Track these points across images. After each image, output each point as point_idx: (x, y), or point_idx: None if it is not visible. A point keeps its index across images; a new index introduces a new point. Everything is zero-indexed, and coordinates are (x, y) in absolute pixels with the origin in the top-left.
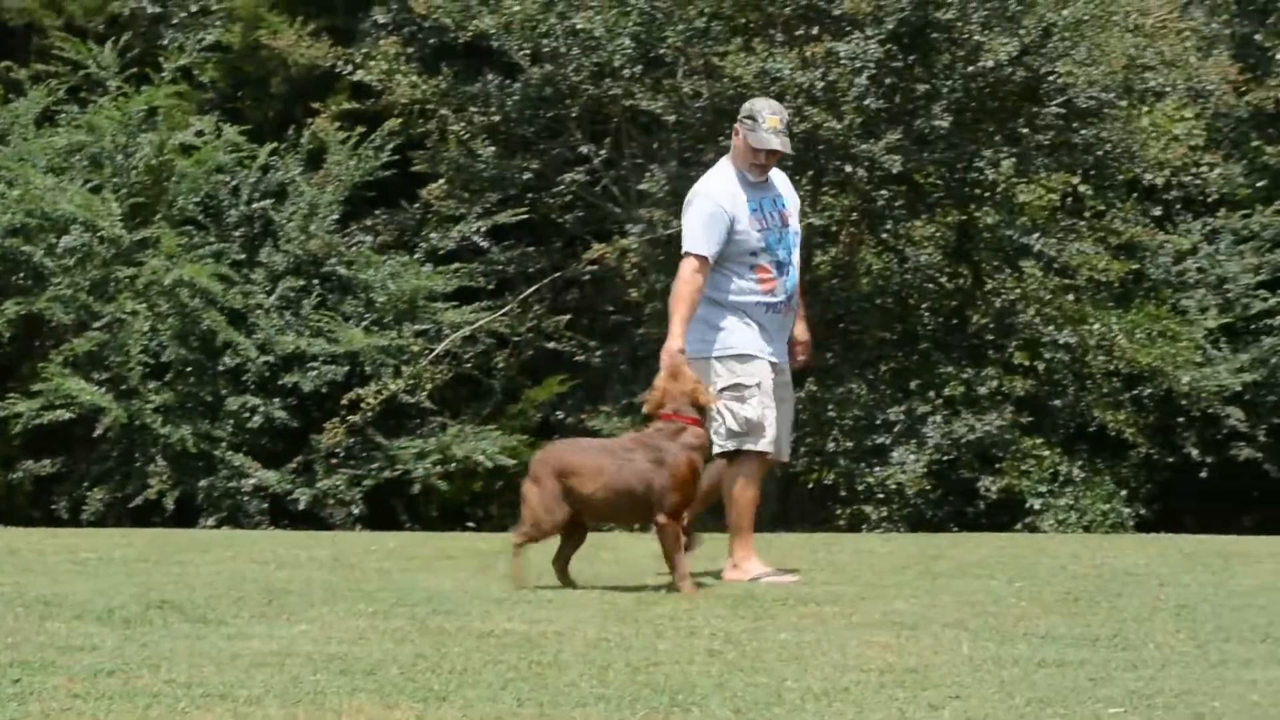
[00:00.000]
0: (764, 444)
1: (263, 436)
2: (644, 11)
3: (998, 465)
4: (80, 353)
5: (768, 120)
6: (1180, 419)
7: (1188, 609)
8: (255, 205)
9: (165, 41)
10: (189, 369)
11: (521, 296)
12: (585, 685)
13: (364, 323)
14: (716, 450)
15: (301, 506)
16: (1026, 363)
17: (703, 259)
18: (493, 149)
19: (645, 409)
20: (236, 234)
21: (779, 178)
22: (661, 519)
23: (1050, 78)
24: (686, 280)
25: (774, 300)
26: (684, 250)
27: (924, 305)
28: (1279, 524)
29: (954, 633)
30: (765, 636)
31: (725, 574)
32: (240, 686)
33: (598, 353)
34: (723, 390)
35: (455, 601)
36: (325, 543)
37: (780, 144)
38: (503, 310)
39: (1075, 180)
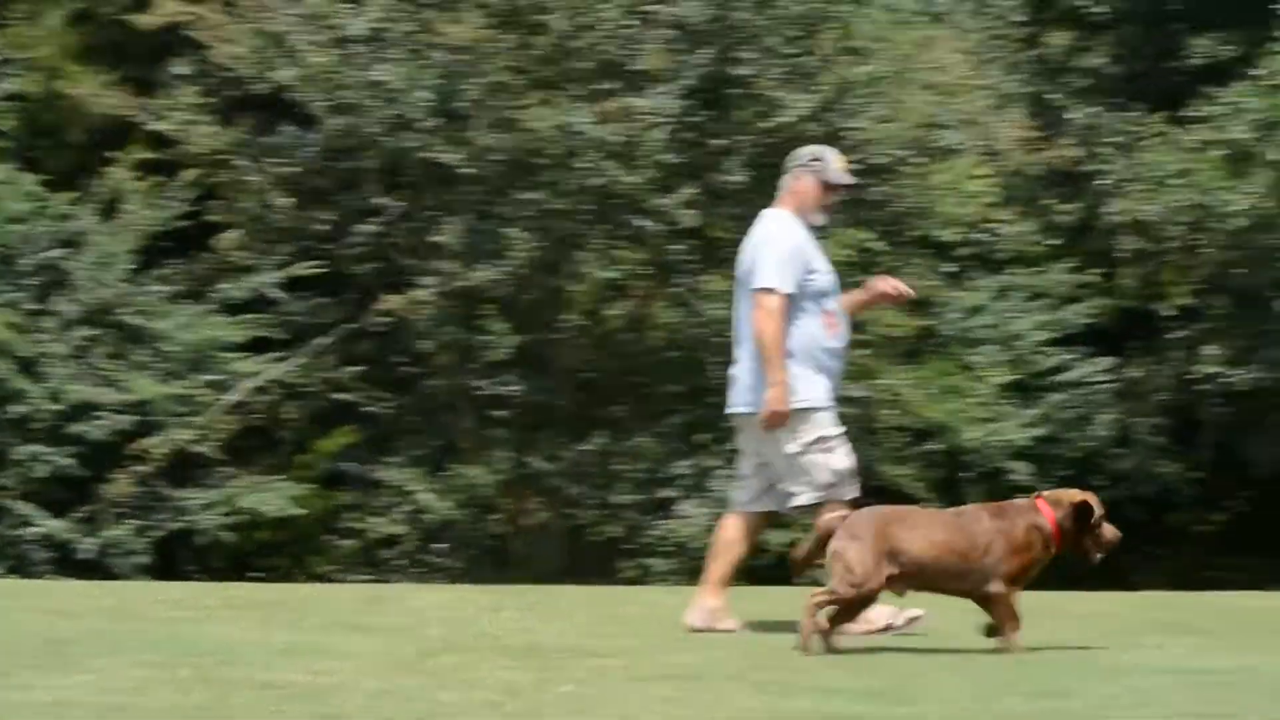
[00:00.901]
0: (853, 490)
1: (50, 485)
2: (443, 64)
3: (784, 519)
4: None
5: (836, 160)
6: (968, 474)
7: (968, 663)
8: (49, 254)
9: None
10: None
11: (313, 347)
12: None
13: (155, 372)
14: (799, 504)
15: (87, 556)
16: None
17: (785, 297)
18: (289, 200)
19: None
20: (29, 282)
21: None
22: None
23: (846, 134)
24: (775, 315)
25: (839, 346)
26: (762, 286)
27: (714, 359)
28: (1059, 578)
29: (736, 686)
30: (548, 689)
31: (690, 618)
32: None
33: (387, 404)
34: (810, 444)
35: (239, 652)
36: (110, 592)
37: (851, 179)
38: (294, 361)
39: (869, 236)
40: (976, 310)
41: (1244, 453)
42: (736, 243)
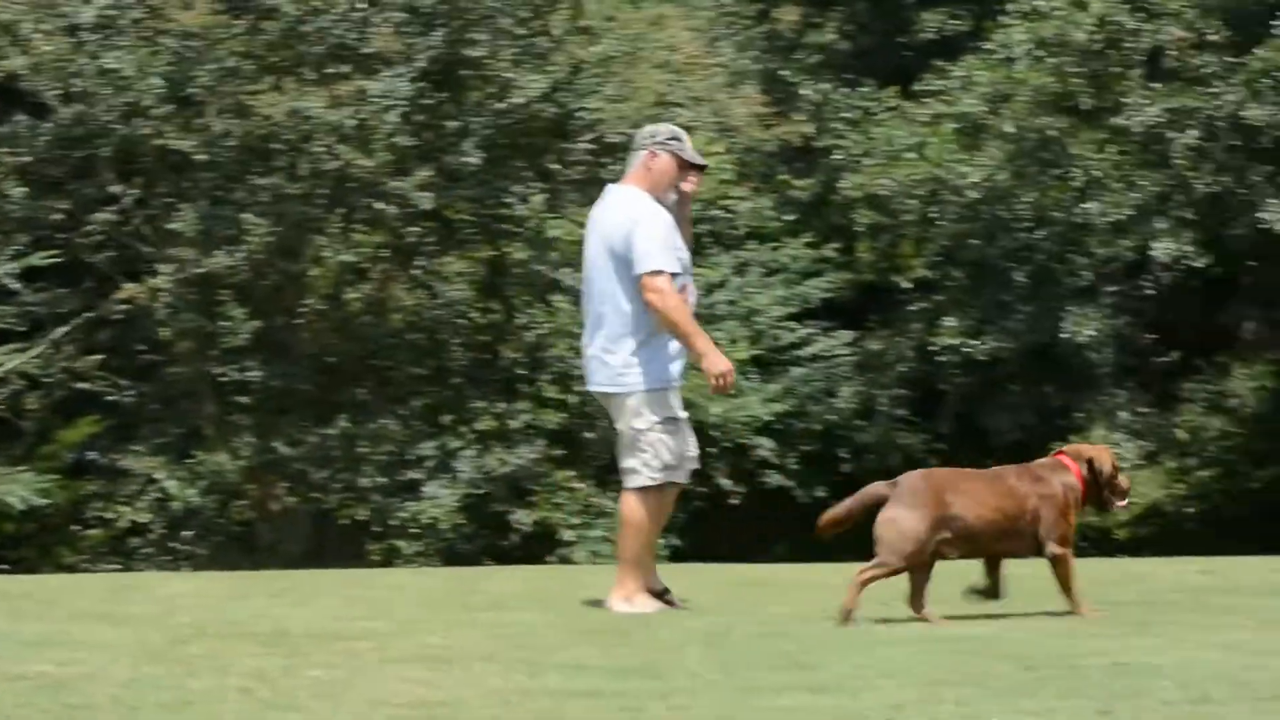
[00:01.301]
0: (686, 476)
1: None
2: (174, 51)
3: (531, 498)
4: None
5: (688, 139)
6: (712, 450)
7: (719, 637)
8: None
9: None
10: None
11: (53, 337)
12: None
13: None
14: (641, 484)
15: None
16: (558, 396)
17: (671, 276)
18: (23, 190)
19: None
20: None
21: None
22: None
23: (580, 114)
24: (673, 294)
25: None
26: (650, 269)
27: (456, 340)
28: (808, 551)
29: (486, 666)
30: (298, 674)
31: (613, 605)
32: None
33: (129, 392)
34: (657, 424)
35: None
36: None
37: (704, 160)
38: (34, 351)
39: None
40: (715, 287)
41: (984, 421)
42: (473, 224)
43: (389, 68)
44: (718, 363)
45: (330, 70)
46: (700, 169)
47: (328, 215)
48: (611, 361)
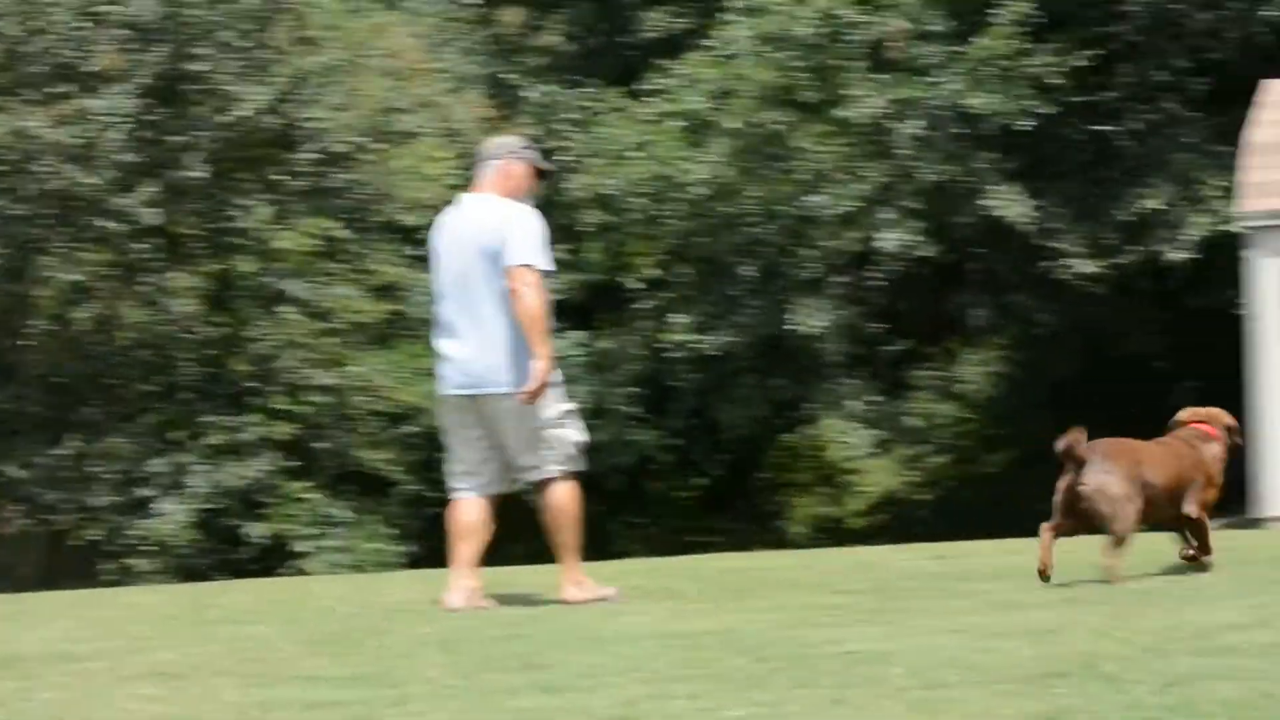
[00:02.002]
0: (583, 464)
1: None
2: None
3: (264, 511)
4: None
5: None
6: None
7: (453, 642)
8: None
9: None
10: None
11: None
12: None
13: None
14: (545, 477)
15: None
16: (289, 407)
17: (543, 274)
18: None
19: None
20: None
21: None
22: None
23: (304, 124)
24: (542, 291)
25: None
26: (523, 263)
27: (185, 356)
28: (544, 553)
29: (222, 680)
30: (31, 696)
31: (569, 595)
32: None
33: None
34: (556, 417)
35: None
36: None
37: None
38: None
39: (333, 224)
40: None
41: (717, 417)
42: (202, 238)
43: (112, 85)
44: (546, 372)
45: (52, 89)
46: (550, 174)
47: (53, 234)
48: (500, 363)
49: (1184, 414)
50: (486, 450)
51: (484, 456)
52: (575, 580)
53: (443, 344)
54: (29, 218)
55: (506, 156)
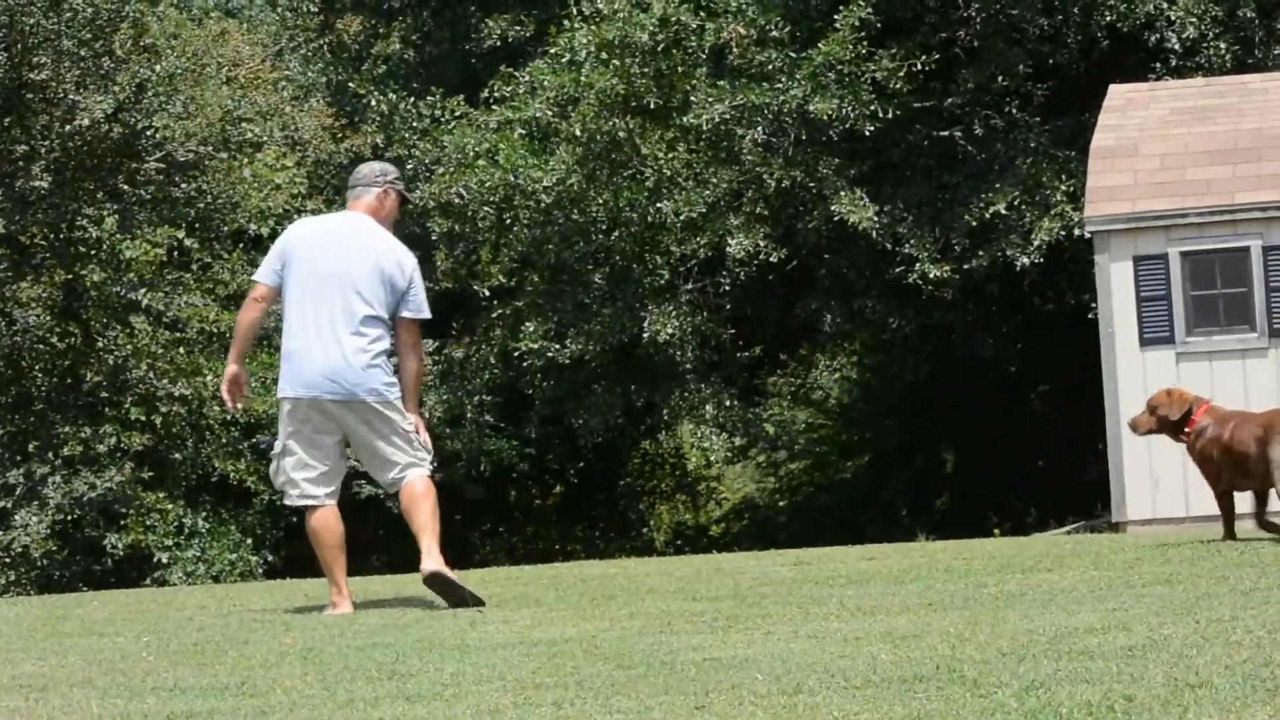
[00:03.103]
0: None
1: None
2: None
3: (123, 522)
4: None
5: None
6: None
7: (315, 652)
8: None
9: None
10: None
11: None
12: None
13: None
14: (429, 470)
15: None
16: (144, 418)
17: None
18: None
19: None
20: None
21: None
22: None
23: (148, 133)
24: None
25: None
26: (425, 318)
27: (37, 366)
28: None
29: (83, 692)
30: None
31: (450, 573)
32: None
33: None
34: (412, 424)
35: None
36: None
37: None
38: None
39: (180, 234)
40: None
41: (572, 424)
42: (48, 248)
43: None
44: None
45: None
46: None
47: None
48: (380, 374)
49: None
50: (340, 455)
51: (334, 462)
52: (446, 562)
53: (318, 349)
54: None
55: (385, 185)
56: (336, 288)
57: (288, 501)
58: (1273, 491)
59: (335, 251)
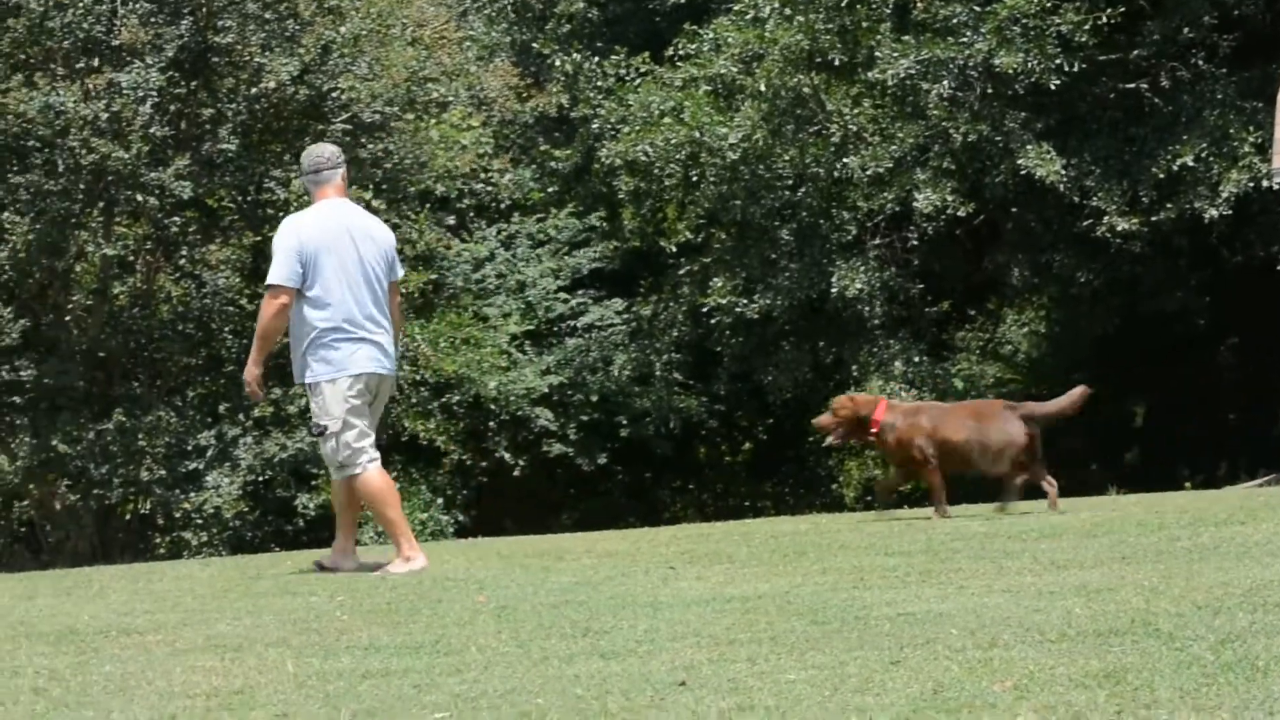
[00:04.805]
0: None
1: None
2: None
3: (314, 482)
4: None
5: None
6: (490, 423)
7: (508, 610)
8: None
9: None
10: None
11: None
12: None
13: None
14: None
15: None
16: None
17: None
18: None
19: None
20: None
21: None
22: None
23: (334, 94)
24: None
25: None
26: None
27: (226, 328)
28: (594, 519)
29: (278, 651)
30: (90, 670)
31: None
32: None
33: None
34: None
35: None
36: None
37: None
38: None
39: (368, 195)
40: (484, 261)
41: (761, 381)
42: (236, 211)
43: (139, 59)
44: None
45: (80, 64)
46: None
47: (89, 209)
48: (392, 351)
49: None
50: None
51: (370, 429)
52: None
53: (366, 329)
54: (64, 193)
55: (340, 164)
56: (367, 274)
57: (355, 471)
58: None
59: (354, 241)
